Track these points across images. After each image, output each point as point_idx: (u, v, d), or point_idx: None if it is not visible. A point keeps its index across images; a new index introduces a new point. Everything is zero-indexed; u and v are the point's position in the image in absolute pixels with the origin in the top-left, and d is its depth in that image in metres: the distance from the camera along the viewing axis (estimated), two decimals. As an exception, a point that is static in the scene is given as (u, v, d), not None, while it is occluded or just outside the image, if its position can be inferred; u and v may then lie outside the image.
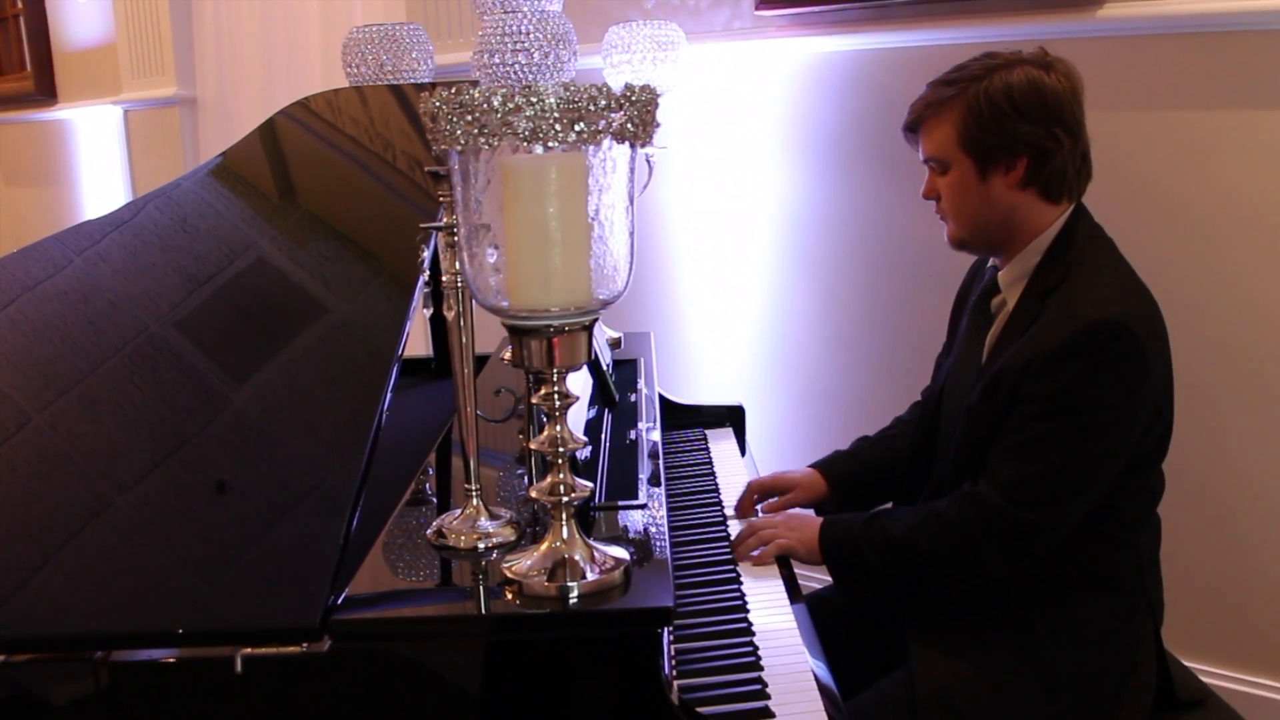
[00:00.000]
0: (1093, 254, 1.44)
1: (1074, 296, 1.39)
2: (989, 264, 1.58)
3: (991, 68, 1.44)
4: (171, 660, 1.03)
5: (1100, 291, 1.39)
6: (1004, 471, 1.39)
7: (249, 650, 1.00)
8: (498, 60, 1.60)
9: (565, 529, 1.07)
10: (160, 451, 1.25)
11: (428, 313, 1.86)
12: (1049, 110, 1.42)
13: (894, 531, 1.46)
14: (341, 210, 1.72)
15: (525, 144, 0.92)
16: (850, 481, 1.75)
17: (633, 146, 0.97)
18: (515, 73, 1.60)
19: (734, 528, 1.64)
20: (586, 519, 1.28)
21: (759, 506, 1.75)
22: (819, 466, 1.77)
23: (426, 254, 1.33)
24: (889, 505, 1.68)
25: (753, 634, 1.31)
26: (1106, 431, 1.37)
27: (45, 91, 4.90)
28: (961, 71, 1.47)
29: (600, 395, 1.79)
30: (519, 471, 1.42)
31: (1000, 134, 1.42)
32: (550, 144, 0.92)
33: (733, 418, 2.14)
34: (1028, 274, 1.47)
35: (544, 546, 1.07)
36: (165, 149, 4.27)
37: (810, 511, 1.67)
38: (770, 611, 1.39)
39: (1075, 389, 1.35)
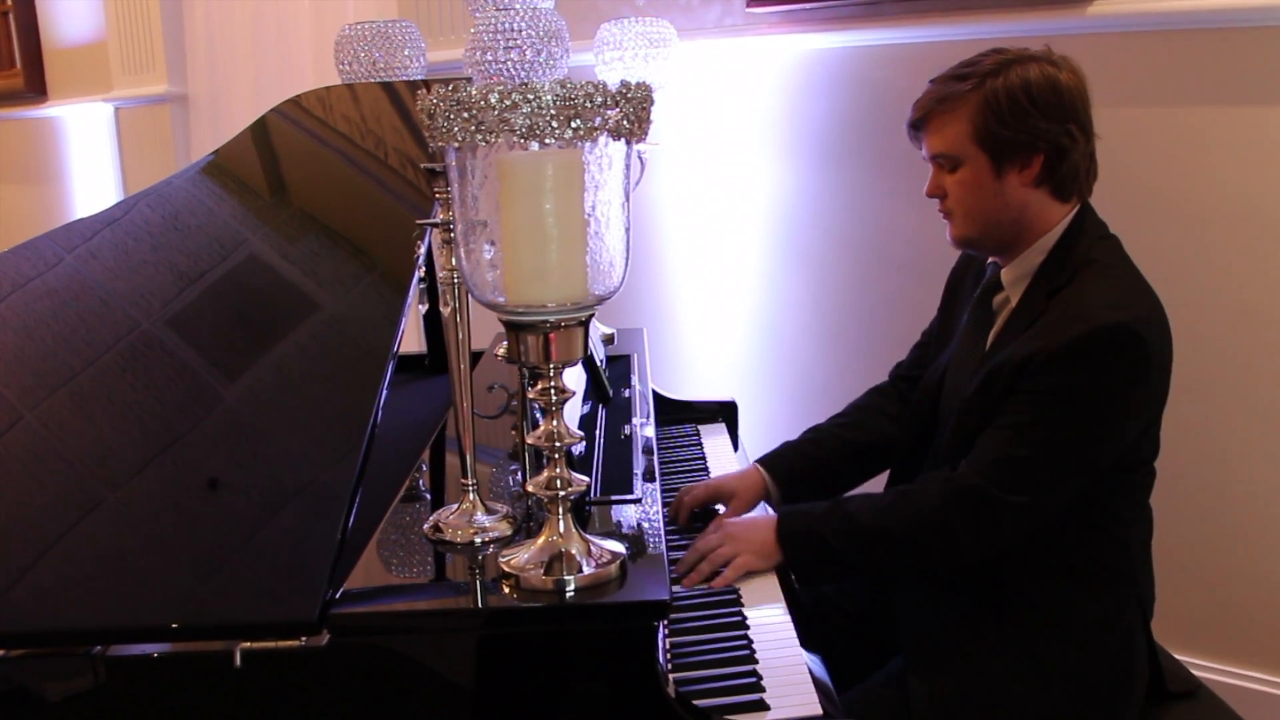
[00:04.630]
0: (1101, 254, 1.43)
1: (1083, 297, 1.38)
2: (989, 260, 1.56)
3: (1005, 63, 1.42)
4: (170, 655, 1.04)
5: (1109, 294, 1.38)
6: (986, 453, 1.38)
7: (248, 644, 1.01)
8: (490, 57, 1.60)
9: (562, 523, 1.07)
10: (152, 448, 1.25)
11: (423, 309, 1.86)
12: (1065, 107, 1.41)
13: (861, 518, 1.42)
14: (333, 207, 1.71)
15: (522, 141, 0.92)
16: (800, 479, 1.70)
17: (628, 143, 0.98)
18: (508, 70, 1.60)
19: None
20: (582, 514, 1.28)
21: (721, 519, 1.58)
22: (766, 464, 1.70)
23: (421, 250, 1.33)
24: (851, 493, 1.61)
25: (747, 627, 1.32)
26: (1098, 427, 1.36)
27: (35, 89, 4.86)
28: (974, 67, 1.44)
29: (594, 391, 1.80)
30: (512, 467, 1.42)
31: (1019, 130, 1.40)
32: (547, 141, 0.92)
33: (725, 413, 2.15)
34: (1032, 272, 1.46)
35: (541, 540, 1.08)
36: (156, 146, 4.25)
37: (757, 512, 1.63)
38: (765, 605, 1.39)
39: (1074, 386, 1.34)
